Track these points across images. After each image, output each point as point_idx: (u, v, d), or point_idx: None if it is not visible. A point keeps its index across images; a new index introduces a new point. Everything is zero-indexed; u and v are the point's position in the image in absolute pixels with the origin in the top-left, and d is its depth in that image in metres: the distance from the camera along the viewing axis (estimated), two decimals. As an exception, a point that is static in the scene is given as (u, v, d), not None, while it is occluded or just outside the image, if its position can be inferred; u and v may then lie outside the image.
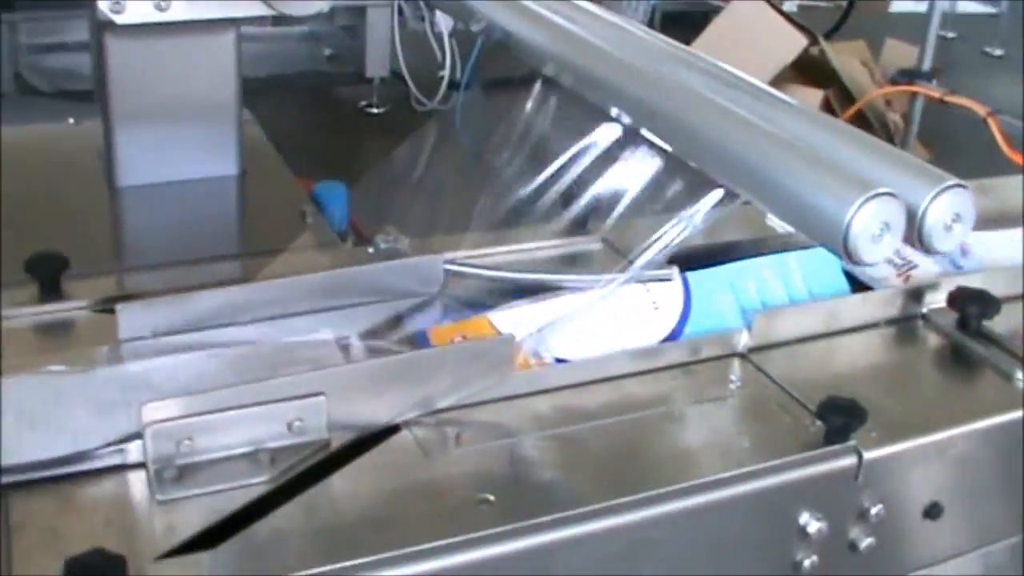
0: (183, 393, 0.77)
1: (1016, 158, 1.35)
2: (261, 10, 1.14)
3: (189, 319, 0.91)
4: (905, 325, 1.05)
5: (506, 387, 0.88)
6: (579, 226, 1.15)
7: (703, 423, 0.89)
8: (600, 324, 0.97)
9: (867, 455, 0.85)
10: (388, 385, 0.83)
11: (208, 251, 1.11)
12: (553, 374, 0.91)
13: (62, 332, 0.95)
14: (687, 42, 1.08)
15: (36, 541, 0.72)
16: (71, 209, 1.17)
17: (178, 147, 1.22)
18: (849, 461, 0.85)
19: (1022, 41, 4.50)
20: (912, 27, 3.58)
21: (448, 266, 0.99)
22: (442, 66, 3.68)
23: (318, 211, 1.19)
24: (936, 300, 1.06)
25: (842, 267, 1.08)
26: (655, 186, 1.12)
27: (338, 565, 0.70)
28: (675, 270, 1.02)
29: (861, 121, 2.99)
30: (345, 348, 0.90)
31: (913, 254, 1.11)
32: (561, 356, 0.94)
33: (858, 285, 1.09)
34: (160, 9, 1.12)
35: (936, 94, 1.80)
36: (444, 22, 3.59)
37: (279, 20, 1.18)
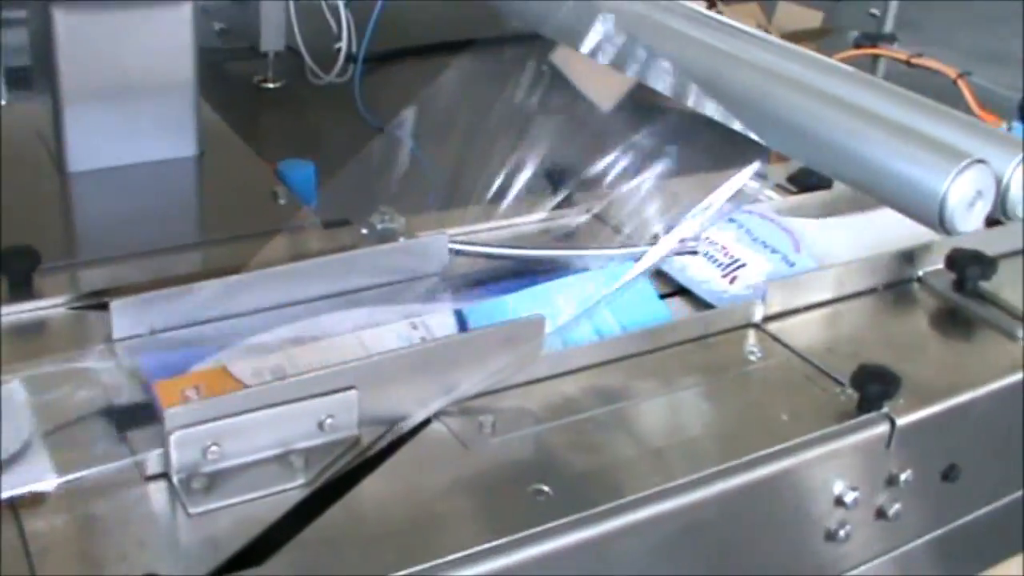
0: None
1: (989, 119, 1.37)
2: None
3: (188, 313, 0.84)
4: (901, 289, 1.05)
5: (529, 371, 0.84)
6: (566, 200, 1.12)
7: (736, 398, 0.87)
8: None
9: (900, 421, 0.85)
10: (421, 374, 0.78)
11: (180, 239, 1.03)
12: (575, 355, 0.88)
13: (48, 333, 0.87)
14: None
15: (66, 567, 0.65)
16: (19, 199, 1.06)
17: (133, 128, 1.12)
18: (882, 428, 0.85)
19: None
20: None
21: (453, 245, 0.95)
22: (338, 38, 3.57)
23: (289, 191, 1.13)
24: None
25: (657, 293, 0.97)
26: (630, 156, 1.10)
27: (405, 572, 0.66)
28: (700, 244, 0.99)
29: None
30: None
31: (741, 253, 1.02)
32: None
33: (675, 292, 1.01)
34: (112, -21, 1.04)
35: (903, 56, 1.80)
36: (339, -7, 3.48)
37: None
